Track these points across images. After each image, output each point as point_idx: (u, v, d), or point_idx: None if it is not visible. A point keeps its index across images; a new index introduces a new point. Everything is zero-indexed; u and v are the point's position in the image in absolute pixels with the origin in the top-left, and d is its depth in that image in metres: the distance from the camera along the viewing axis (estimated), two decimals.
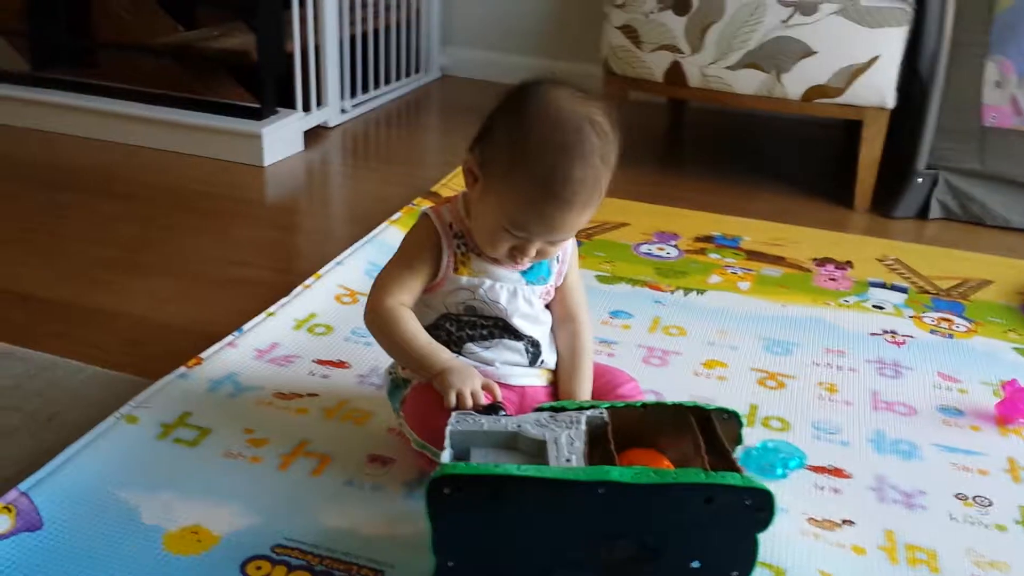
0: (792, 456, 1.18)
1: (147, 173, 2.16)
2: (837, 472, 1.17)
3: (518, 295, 1.10)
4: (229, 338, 1.36)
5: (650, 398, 1.30)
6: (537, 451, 0.94)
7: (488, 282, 1.09)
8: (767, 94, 2.11)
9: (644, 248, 1.83)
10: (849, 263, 1.81)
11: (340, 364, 1.34)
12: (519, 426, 0.96)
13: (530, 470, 0.87)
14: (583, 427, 0.96)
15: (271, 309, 1.46)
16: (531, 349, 1.12)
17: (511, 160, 1.00)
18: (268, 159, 2.21)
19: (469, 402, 0.99)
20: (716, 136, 2.80)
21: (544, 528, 0.89)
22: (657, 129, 2.79)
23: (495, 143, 1.02)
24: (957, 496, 1.14)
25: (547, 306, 1.16)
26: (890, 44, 2.02)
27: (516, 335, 1.11)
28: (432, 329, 1.10)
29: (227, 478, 1.08)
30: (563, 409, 1.00)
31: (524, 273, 1.11)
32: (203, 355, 1.31)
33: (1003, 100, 2.07)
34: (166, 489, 1.05)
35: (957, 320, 1.60)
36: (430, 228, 1.09)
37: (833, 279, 1.74)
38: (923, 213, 2.11)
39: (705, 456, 0.94)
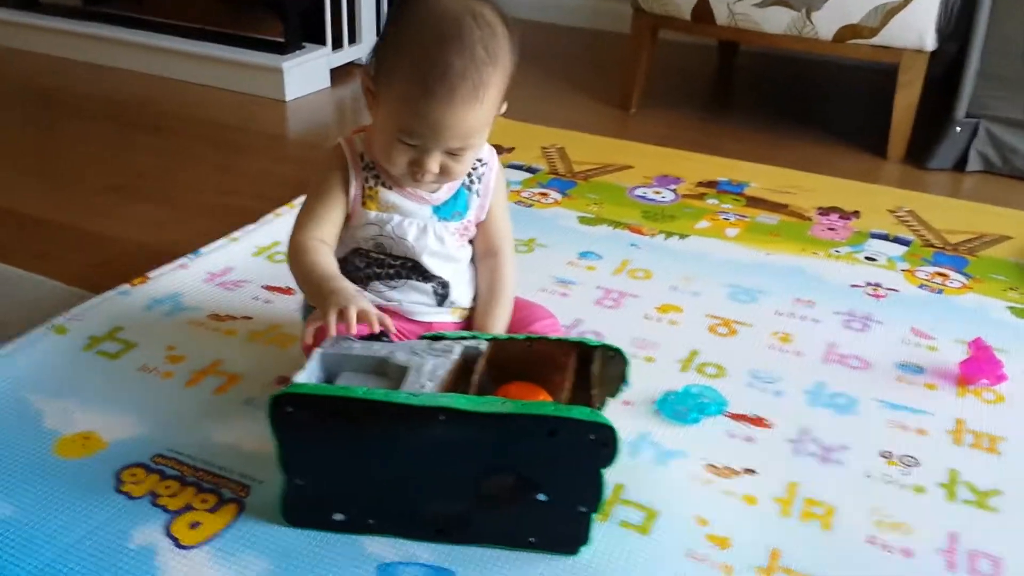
0: (712, 402, 1.13)
1: (176, 105, 2.22)
2: (757, 421, 1.12)
3: (428, 232, 1.06)
4: (182, 260, 1.40)
5: (588, 337, 1.27)
6: (402, 377, 0.93)
7: (396, 218, 1.05)
8: (797, 33, 2.00)
9: (639, 191, 1.78)
10: (856, 213, 1.71)
11: (287, 291, 1.35)
12: (390, 352, 0.95)
13: (376, 393, 0.86)
14: (454, 356, 0.94)
15: (235, 235, 1.49)
16: (440, 291, 1.08)
17: (394, 63, 0.97)
18: (290, 94, 2.24)
19: (352, 316, 0.93)
20: (766, 81, 2.67)
21: (398, 456, 0.88)
22: (704, 72, 2.69)
23: (383, 52, 0.99)
24: (882, 454, 1.07)
25: (471, 241, 1.12)
26: None
27: (425, 276, 1.07)
28: (341, 263, 1.07)
29: (134, 390, 1.11)
30: (443, 338, 0.98)
31: (436, 209, 1.07)
32: (151, 274, 1.35)
33: None
34: (73, 396, 1.09)
35: (954, 275, 1.49)
36: (339, 157, 1.06)
37: (832, 229, 1.65)
38: (961, 165, 1.97)
39: (566, 390, 0.91)
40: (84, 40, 2.45)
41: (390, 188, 1.05)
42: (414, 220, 1.06)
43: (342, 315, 0.93)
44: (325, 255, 1.03)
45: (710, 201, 1.74)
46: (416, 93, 0.95)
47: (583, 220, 1.64)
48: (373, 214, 1.05)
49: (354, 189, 1.05)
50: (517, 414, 0.84)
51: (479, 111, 0.97)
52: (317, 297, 1.01)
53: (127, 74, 2.41)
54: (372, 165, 1.05)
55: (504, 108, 1.05)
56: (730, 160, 1.94)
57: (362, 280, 1.08)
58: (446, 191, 1.07)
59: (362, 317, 0.95)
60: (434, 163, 1.00)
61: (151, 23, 2.42)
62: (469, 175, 1.08)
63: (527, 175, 1.83)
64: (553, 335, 1.02)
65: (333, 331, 0.93)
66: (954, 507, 1.00)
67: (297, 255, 1.03)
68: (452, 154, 1.00)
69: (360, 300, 0.96)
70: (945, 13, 1.96)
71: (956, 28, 2.05)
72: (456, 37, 0.95)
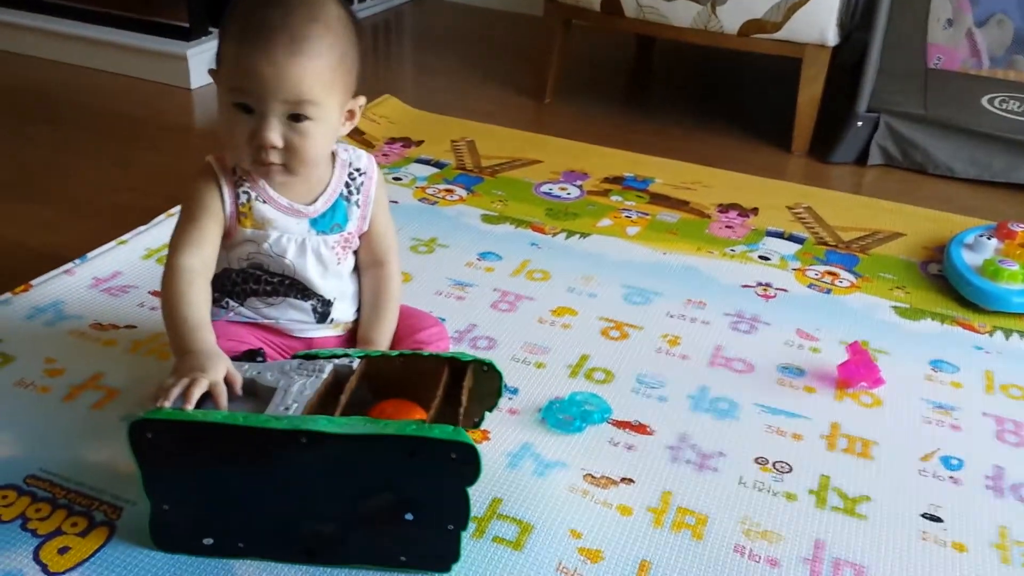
0: (596, 410, 1.15)
1: (77, 93, 2.16)
2: (640, 428, 1.14)
3: (307, 248, 1.04)
4: (68, 265, 1.37)
5: (480, 342, 1.28)
6: (271, 398, 0.92)
7: (274, 234, 1.03)
8: (703, 27, 2.02)
9: (545, 188, 1.78)
10: (755, 210, 1.74)
11: None
12: (258, 373, 0.94)
13: (235, 418, 0.85)
14: (324, 376, 0.94)
15: (124, 237, 1.46)
16: (320, 308, 1.07)
17: (223, 37, 0.98)
18: (196, 81, 2.19)
19: (195, 396, 0.88)
20: (683, 72, 2.69)
21: (262, 479, 0.87)
22: (623, 62, 2.69)
23: (220, 40, 0.99)
24: (756, 460, 1.10)
25: (354, 252, 1.11)
26: None
27: (304, 293, 1.06)
28: (216, 279, 1.05)
29: (10, 407, 1.09)
30: (316, 357, 0.98)
31: (314, 222, 1.04)
32: (34, 282, 1.32)
33: (954, 40, 1.94)
34: None
35: (844, 274, 1.53)
36: (209, 174, 1.02)
37: (730, 227, 1.67)
38: (863, 159, 2.01)
39: (434, 408, 0.92)
40: None
41: (264, 203, 1.03)
42: (292, 236, 1.04)
43: (186, 392, 0.88)
44: (199, 290, 0.98)
45: (614, 198, 1.76)
46: (238, 51, 0.95)
47: (486, 219, 1.64)
48: (249, 231, 1.03)
49: (229, 206, 1.02)
50: (377, 435, 0.85)
51: (304, 64, 0.94)
52: (174, 346, 0.96)
53: (21, 59, 2.33)
54: (244, 179, 1.03)
55: (361, 102, 1.04)
56: (637, 155, 1.95)
57: (238, 295, 1.06)
58: (323, 202, 1.05)
59: (215, 392, 0.90)
60: (273, 132, 0.95)
61: (48, 5, 2.33)
62: (348, 186, 1.07)
63: (434, 170, 1.82)
64: (426, 351, 1.02)
65: (169, 403, 0.87)
66: (823, 514, 1.03)
67: (171, 283, 0.98)
68: (292, 121, 0.96)
69: (214, 370, 0.91)
70: (848, 7, 1.99)
71: (865, 18, 2.08)
72: (276, 2, 0.96)
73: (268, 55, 0.93)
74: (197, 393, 0.88)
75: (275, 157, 0.98)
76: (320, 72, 0.96)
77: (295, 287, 1.06)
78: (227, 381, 0.92)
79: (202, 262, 1.00)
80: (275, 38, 0.94)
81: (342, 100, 1.01)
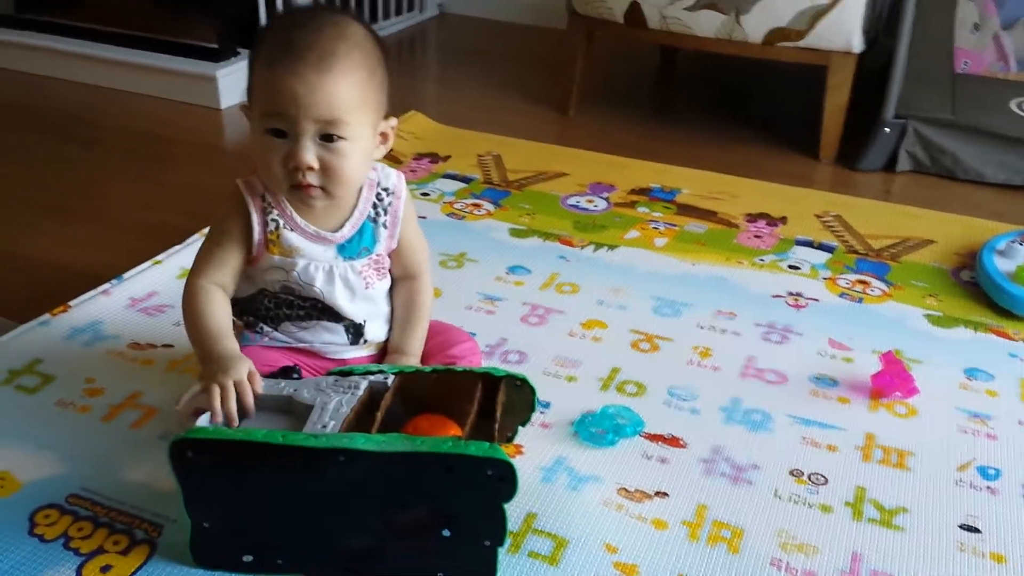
0: (629, 423, 1.15)
1: (111, 116, 2.19)
2: (673, 441, 1.14)
3: (335, 276, 1.04)
4: (105, 286, 1.39)
5: (511, 357, 1.29)
6: (307, 415, 0.93)
7: (301, 262, 1.03)
8: (727, 37, 2.02)
9: (572, 200, 1.79)
10: (783, 219, 1.73)
11: None
12: (295, 390, 0.95)
13: (275, 436, 0.87)
14: (360, 392, 0.95)
15: (159, 257, 1.48)
16: (352, 331, 1.08)
17: (253, 67, 0.99)
18: (225, 102, 2.22)
19: (231, 395, 0.93)
20: (707, 81, 2.69)
21: (302, 495, 0.89)
22: (646, 73, 2.70)
23: (249, 72, 1.01)
24: (792, 472, 1.10)
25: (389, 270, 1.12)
26: None
27: (336, 316, 1.07)
28: (250, 302, 1.07)
29: (51, 427, 1.10)
30: (351, 373, 0.99)
31: (341, 248, 1.05)
32: (72, 303, 1.34)
33: (980, 44, 1.93)
34: None
35: (875, 283, 1.52)
36: (238, 198, 1.03)
37: (758, 236, 1.67)
38: (891, 166, 2.01)
39: (470, 424, 0.92)
40: (13, 49, 2.41)
41: (291, 230, 1.03)
42: (319, 264, 1.04)
43: (223, 396, 0.93)
44: (219, 305, 1.02)
45: (641, 209, 1.76)
46: (267, 74, 0.96)
47: (514, 232, 1.65)
48: (277, 258, 1.03)
49: (257, 233, 1.03)
50: (414, 452, 0.85)
51: (334, 81, 0.95)
52: (199, 353, 1.01)
53: (56, 83, 2.37)
54: (272, 207, 1.03)
55: (393, 123, 1.04)
56: (664, 165, 1.95)
57: (272, 320, 1.07)
58: (350, 227, 1.05)
59: (240, 391, 0.94)
60: (307, 153, 0.96)
61: (82, 30, 2.38)
62: (375, 207, 1.07)
63: (461, 185, 1.83)
64: (460, 366, 1.03)
65: (218, 415, 0.92)
66: (859, 526, 1.02)
67: (191, 300, 1.02)
68: (325, 141, 0.96)
69: (235, 370, 0.94)
70: (873, 14, 1.99)
71: (891, 24, 2.07)
72: (303, 25, 0.98)
73: (298, 74, 0.94)
74: (233, 406, 0.91)
75: (312, 179, 0.98)
76: (350, 89, 0.96)
77: (327, 311, 1.07)
78: (250, 381, 0.95)
79: (220, 284, 1.04)
80: (304, 57, 0.95)
81: (374, 120, 1.01)
